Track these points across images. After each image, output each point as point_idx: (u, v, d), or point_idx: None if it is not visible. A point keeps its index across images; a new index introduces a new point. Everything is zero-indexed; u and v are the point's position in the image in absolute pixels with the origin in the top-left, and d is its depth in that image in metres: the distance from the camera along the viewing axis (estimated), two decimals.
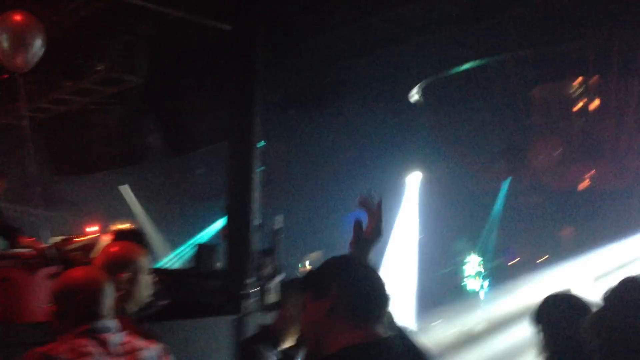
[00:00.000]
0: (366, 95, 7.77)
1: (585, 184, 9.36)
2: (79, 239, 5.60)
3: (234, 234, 4.19)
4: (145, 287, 2.27)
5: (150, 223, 11.10)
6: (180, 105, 7.48)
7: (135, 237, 3.03)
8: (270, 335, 2.59)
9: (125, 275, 2.21)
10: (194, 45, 5.97)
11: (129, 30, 5.88)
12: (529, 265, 9.94)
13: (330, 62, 6.75)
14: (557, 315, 2.34)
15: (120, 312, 2.10)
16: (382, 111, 8.37)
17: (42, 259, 4.48)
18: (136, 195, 11.43)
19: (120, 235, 3.14)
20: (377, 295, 1.61)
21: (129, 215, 11.23)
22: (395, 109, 8.44)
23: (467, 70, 7.36)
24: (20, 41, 4.59)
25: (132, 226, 7.21)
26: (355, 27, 5.95)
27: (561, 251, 9.55)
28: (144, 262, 2.30)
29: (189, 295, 3.86)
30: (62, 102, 7.43)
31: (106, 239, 4.43)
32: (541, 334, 2.36)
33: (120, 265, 2.22)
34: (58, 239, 6.02)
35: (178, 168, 10.38)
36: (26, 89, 7.46)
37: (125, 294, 2.19)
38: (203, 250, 4.50)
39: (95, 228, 7.20)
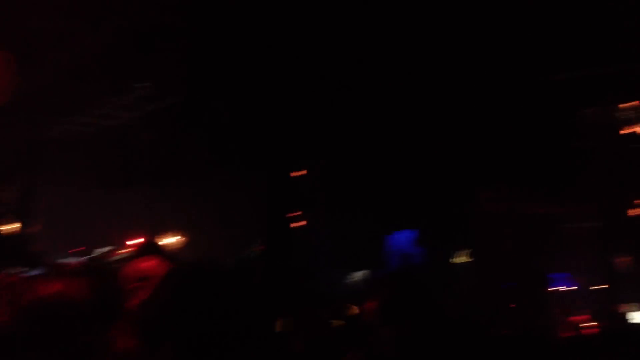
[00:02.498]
0: None
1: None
2: (121, 251, 5.71)
3: (272, 251, 4.19)
4: (169, 300, 2.26)
5: (191, 236, 11.23)
6: (218, 122, 7.58)
7: (159, 251, 3.05)
8: None
9: (147, 286, 2.22)
10: (230, 64, 6.06)
11: (169, 50, 6.00)
12: None
13: None
14: None
15: (140, 323, 2.10)
16: None
17: (86, 270, 4.56)
18: (177, 208, 11.59)
19: (143, 249, 3.15)
20: None
21: (171, 228, 11.40)
22: None
23: None
24: None
25: (168, 239, 7.31)
26: None
27: None
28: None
29: None
30: (106, 117, 7.63)
31: (129, 252, 4.50)
32: None
33: (139, 279, 2.23)
34: (102, 250, 6.15)
35: (219, 183, 10.50)
36: (73, 105, 7.71)
37: (147, 304, 2.19)
38: (240, 263, 4.50)
39: (138, 240, 7.33)
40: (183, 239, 10.82)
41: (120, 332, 2.33)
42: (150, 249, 3.17)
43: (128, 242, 8.01)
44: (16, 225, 7.97)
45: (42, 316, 2.92)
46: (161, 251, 3.15)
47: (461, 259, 11.15)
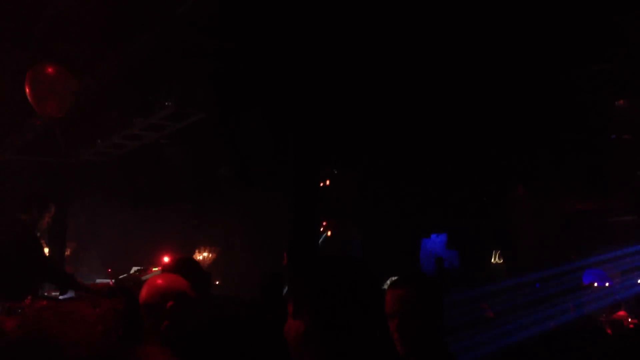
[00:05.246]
0: None
1: None
2: (154, 269, 5.80)
3: (296, 263, 4.21)
4: (192, 317, 2.31)
5: (222, 252, 11.35)
6: (245, 137, 7.66)
7: (189, 267, 3.08)
8: None
9: (170, 305, 2.26)
10: (255, 79, 6.13)
11: (194, 67, 6.10)
12: None
13: None
14: None
15: (165, 341, 2.15)
16: None
17: (117, 290, 4.67)
18: (209, 225, 11.73)
19: (173, 266, 3.20)
20: None
21: (203, 244, 11.54)
22: None
23: None
24: (50, 90, 5.03)
25: (201, 256, 7.40)
26: None
27: None
28: (190, 292, 2.35)
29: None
30: (135, 137, 7.77)
31: (156, 270, 4.57)
32: None
33: (162, 297, 2.28)
34: (136, 269, 6.26)
35: (248, 199, 10.59)
36: (103, 126, 7.89)
37: (171, 323, 2.24)
38: (267, 279, 4.52)
39: (172, 258, 7.44)
40: (215, 254, 10.96)
41: (152, 351, 2.38)
42: (183, 266, 3.23)
43: (162, 260, 8.13)
44: (50, 248, 8.16)
45: (74, 336, 3.00)
46: (195, 268, 3.20)
47: (495, 259, 11.01)
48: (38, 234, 5.04)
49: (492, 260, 11.17)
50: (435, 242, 12.17)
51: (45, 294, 5.29)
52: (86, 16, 4.91)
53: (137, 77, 6.46)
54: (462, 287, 8.92)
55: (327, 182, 10.09)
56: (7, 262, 4.78)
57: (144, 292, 2.35)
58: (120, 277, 5.71)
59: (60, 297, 4.69)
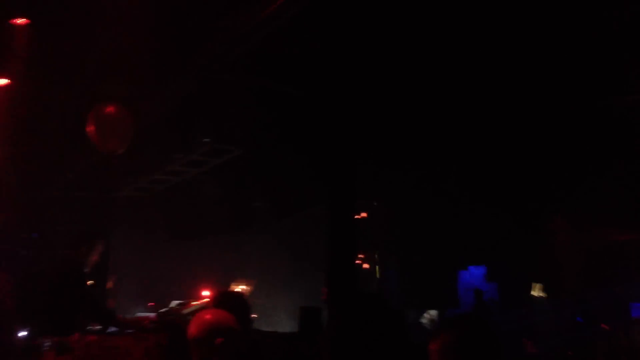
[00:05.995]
0: None
1: None
2: (194, 303, 5.87)
3: (336, 298, 4.22)
4: (239, 352, 2.35)
5: (258, 285, 11.39)
6: (281, 170, 7.78)
7: (234, 301, 3.13)
8: None
9: (219, 341, 2.30)
10: (287, 112, 6.25)
11: (229, 104, 6.26)
12: None
13: None
14: None
15: None
16: None
17: (159, 324, 4.74)
18: (245, 258, 11.81)
19: (219, 299, 3.25)
20: None
21: (242, 277, 11.59)
22: None
23: None
24: (112, 128, 5.28)
25: (238, 289, 7.44)
26: None
27: None
28: (236, 326, 2.39)
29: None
30: (175, 173, 7.97)
31: (203, 303, 4.63)
32: None
33: (211, 332, 2.32)
34: (177, 302, 6.34)
35: (283, 232, 10.66)
36: (144, 163, 8.12)
37: (220, 359, 2.28)
38: (306, 313, 4.54)
39: (211, 292, 7.51)
40: (251, 287, 10.99)
41: None
42: (229, 299, 3.29)
43: (202, 293, 8.21)
44: (92, 282, 8.33)
45: None
46: (240, 302, 3.25)
47: (536, 292, 10.79)
48: (86, 271, 5.17)
49: (533, 293, 10.94)
50: (474, 274, 11.99)
51: (89, 327, 5.39)
52: (130, 59, 5.12)
53: (177, 115, 6.66)
54: (502, 320, 8.76)
55: (363, 214, 10.09)
56: (55, 298, 4.91)
57: (192, 328, 2.40)
58: (161, 310, 5.79)
59: (104, 332, 4.78)
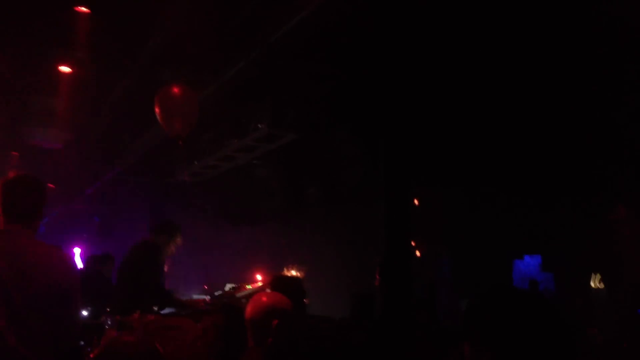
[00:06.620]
0: None
1: None
2: (248, 287, 5.95)
3: (390, 284, 4.21)
4: (294, 334, 2.36)
5: (310, 271, 11.45)
6: (334, 156, 7.77)
7: (290, 285, 3.16)
8: None
9: (274, 323, 2.32)
10: (343, 98, 6.23)
11: (283, 89, 6.27)
12: None
13: None
14: None
15: (267, 357, 2.21)
16: None
17: (215, 306, 4.84)
18: (297, 243, 11.89)
19: (276, 283, 3.28)
20: None
21: (292, 263, 11.69)
22: None
23: None
24: (178, 110, 5.28)
25: (289, 274, 7.50)
26: None
27: None
28: (292, 310, 2.41)
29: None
30: (229, 159, 8.06)
31: (257, 287, 4.67)
32: None
33: (268, 314, 2.34)
34: (231, 286, 6.44)
35: (336, 218, 10.66)
36: (200, 148, 8.26)
37: (275, 340, 2.30)
38: (358, 300, 4.54)
39: (262, 277, 7.60)
40: (303, 273, 11.07)
41: None
42: (280, 283, 3.31)
43: (255, 277, 8.31)
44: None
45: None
46: (296, 286, 3.28)
47: (594, 283, 10.48)
48: (162, 258, 5.31)
49: (592, 284, 10.62)
50: (529, 264, 11.73)
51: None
52: (188, 43, 5.19)
53: (232, 100, 6.73)
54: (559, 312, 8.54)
55: (416, 201, 10.00)
56: (127, 279, 5.09)
57: (250, 309, 2.44)
58: (216, 293, 5.89)
59: (162, 312, 4.91)
